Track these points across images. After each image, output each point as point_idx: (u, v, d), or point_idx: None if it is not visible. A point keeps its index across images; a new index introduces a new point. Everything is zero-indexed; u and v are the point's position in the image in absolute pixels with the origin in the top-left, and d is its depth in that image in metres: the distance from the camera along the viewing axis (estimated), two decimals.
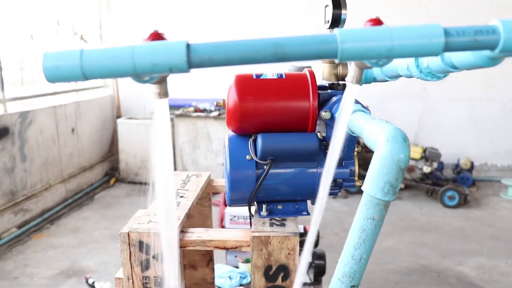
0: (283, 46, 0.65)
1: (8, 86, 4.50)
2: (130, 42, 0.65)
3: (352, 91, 0.83)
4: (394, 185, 0.89)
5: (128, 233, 1.25)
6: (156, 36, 0.72)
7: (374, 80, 1.44)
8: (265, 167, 1.31)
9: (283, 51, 0.65)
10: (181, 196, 1.54)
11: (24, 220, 4.45)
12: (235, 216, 3.36)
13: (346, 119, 0.84)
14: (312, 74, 1.33)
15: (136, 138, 5.98)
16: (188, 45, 0.64)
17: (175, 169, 6.02)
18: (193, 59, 0.64)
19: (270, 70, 1.35)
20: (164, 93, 0.77)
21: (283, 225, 1.31)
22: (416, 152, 5.34)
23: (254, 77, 1.32)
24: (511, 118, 5.75)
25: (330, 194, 1.43)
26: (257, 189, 1.31)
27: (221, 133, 5.81)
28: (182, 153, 6.01)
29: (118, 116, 6.43)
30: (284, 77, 1.32)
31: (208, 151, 5.96)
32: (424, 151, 5.39)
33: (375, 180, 0.90)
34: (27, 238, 4.32)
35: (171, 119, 5.88)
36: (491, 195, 5.51)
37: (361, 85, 1.46)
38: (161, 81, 0.77)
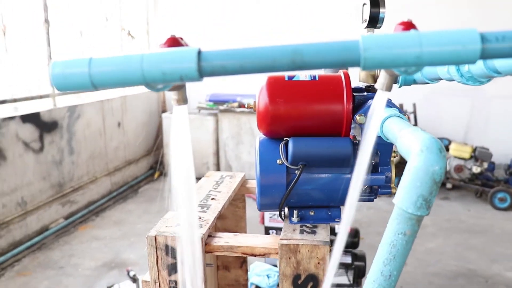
0: (302, 54, 0.60)
1: None
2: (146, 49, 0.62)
3: (382, 98, 0.77)
4: (427, 199, 0.82)
5: (155, 236, 1.23)
6: (173, 42, 0.68)
7: (414, 82, 1.37)
8: (296, 172, 1.27)
9: (302, 59, 0.60)
10: (212, 198, 1.51)
11: (71, 211, 4.57)
12: (274, 214, 3.33)
13: (375, 127, 0.78)
14: (347, 76, 1.27)
15: None
16: (199, 53, 0.60)
17: (218, 165, 6.05)
18: (205, 67, 0.60)
19: (303, 72, 1.30)
20: (182, 100, 0.74)
21: (313, 232, 1.26)
22: (465, 152, 5.13)
23: (286, 79, 1.27)
24: None
25: (365, 200, 1.37)
26: (287, 195, 1.26)
27: None
28: (225, 148, 6.02)
29: (164, 111, 6.52)
30: (317, 79, 1.27)
31: (251, 147, 5.95)
32: (474, 150, 5.16)
33: (408, 193, 0.84)
34: (74, 229, 4.44)
35: (215, 114, 5.90)
36: None
37: (400, 87, 1.39)
38: (179, 88, 0.73)
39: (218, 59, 0.60)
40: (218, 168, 6.06)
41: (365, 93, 1.32)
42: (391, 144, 1.28)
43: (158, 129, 6.46)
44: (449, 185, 5.46)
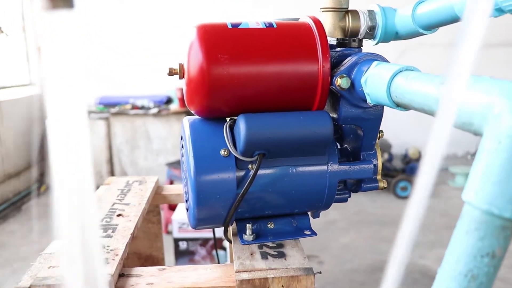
0: None
1: None
2: None
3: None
4: None
5: (30, 287, 0.70)
6: None
7: (396, 36, 0.97)
8: (250, 166, 0.81)
9: None
10: (119, 215, 1.00)
11: None
12: (184, 223, 2.79)
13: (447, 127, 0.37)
14: (318, 23, 0.83)
15: None
16: None
17: (113, 173, 5.36)
18: None
19: (251, 19, 0.84)
20: None
21: (282, 255, 0.81)
22: None
23: (229, 26, 0.80)
24: None
25: (338, 201, 0.95)
26: (239, 201, 0.80)
27: (161, 132, 5.20)
28: (119, 154, 5.35)
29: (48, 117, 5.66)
30: (275, 26, 0.82)
31: (148, 151, 5.33)
32: None
33: (498, 186, 0.42)
34: None
35: (107, 118, 5.21)
36: (439, 183, 5.27)
37: (377, 43, 0.98)
38: None
39: None
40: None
41: (338, 49, 0.90)
42: (380, 117, 0.88)
43: (42, 137, 5.59)
44: None
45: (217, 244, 2.83)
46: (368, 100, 0.78)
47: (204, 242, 2.78)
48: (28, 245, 3.79)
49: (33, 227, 4.22)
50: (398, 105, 0.71)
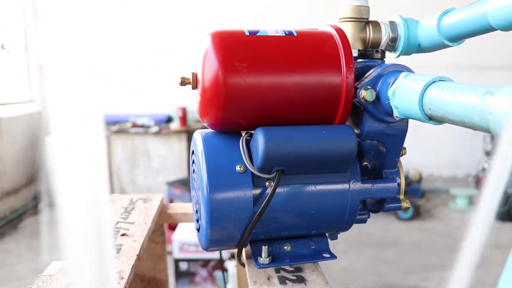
0: None
1: None
2: None
3: None
4: None
5: None
6: None
7: (419, 48, 0.92)
8: (267, 183, 0.74)
9: None
10: (123, 235, 0.93)
11: None
12: (184, 244, 2.71)
13: None
14: (341, 33, 0.78)
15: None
16: None
17: (112, 191, 5.27)
18: None
19: (269, 27, 0.79)
20: None
21: (301, 280, 0.74)
22: None
23: (247, 33, 0.75)
24: (450, 129, 5.52)
25: (357, 222, 0.88)
26: (257, 221, 0.73)
27: (161, 150, 5.14)
28: (119, 173, 5.26)
29: (48, 134, 5.59)
30: (295, 34, 0.76)
31: (147, 170, 5.25)
32: None
33: None
34: None
35: (107, 136, 5.14)
36: (440, 205, 5.20)
37: (398, 56, 0.93)
38: None
39: None
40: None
41: (360, 60, 0.84)
42: (404, 135, 0.82)
43: (41, 154, 5.51)
44: None
45: (218, 265, 2.74)
46: (396, 114, 0.72)
47: (205, 263, 2.69)
48: (25, 264, 3.68)
49: (29, 246, 4.12)
50: (431, 118, 0.65)
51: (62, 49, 0.35)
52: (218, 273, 2.69)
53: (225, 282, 1.30)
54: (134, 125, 5.20)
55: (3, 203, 4.66)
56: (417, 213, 4.73)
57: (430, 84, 0.64)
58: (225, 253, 2.74)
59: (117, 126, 5.16)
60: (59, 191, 0.37)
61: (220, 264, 1.01)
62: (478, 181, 5.16)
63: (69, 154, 0.36)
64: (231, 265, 2.56)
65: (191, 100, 0.84)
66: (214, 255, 2.74)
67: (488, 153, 5.07)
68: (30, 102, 5.54)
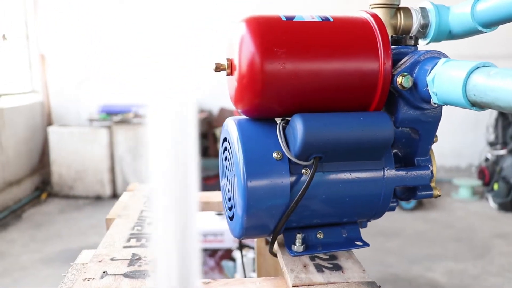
0: None
1: None
2: None
3: None
4: None
5: None
6: None
7: (450, 35, 0.91)
8: (303, 171, 0.74)
9: None
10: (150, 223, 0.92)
11: None
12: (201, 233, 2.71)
13: None
14: (378, 19, 0.77)
15: (70, 147, 5.14)
16: None
17: (114, 181, 5.26)
18: None
19: (305, 12, 0.78)
20: None
21: (338, 267, 0.74)
22: None
23: (283, 19, 0.74)
24: (453, 119, 5.51)
25: (388, 210, 0.88)
26: (293, 208, 0.73)
27: None
28: (122, 163, 5.25)
29: (50, 124, 5.56)
30: (331, 20, 0.75)
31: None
32: None
33: None
34: None
35: (109, 127, 5.12)
36: (443, 195, 5.22)
37: (429, 42, 0.92)
38: None
39: None
40: (114, 185, 5.25)
41: (394, 47, 0.83)
42: (438, 122, 0.81)
43: (43, 145, 5.49)
44: None
45: (225, 255, 2.75)
46: (434, 100, 0.71)
47: (213, 252, 2.70)
48: (29, 254, 3.68)
49: (33, 236, 4.12)
50: (474, 105, 0.65)
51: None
52: (225, 263, 2.70)
53: (244, 272, 1.29)
54: (137, 115, 5.18)
55: (7, 193, 4.65)
56: (420, 204, 4.74)
57: (474, 70, 0.63)
58: (233, 243, 2.74)
59: (119, 116, 5.14)
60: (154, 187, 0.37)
61: (240, 252, 1.01)
62: (480, 172, 5.17)
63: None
64: (238, 255, 2.57)
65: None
66: (221, 245, 2.75)
67: (491, 144, 5.07)
68: (32, 93, 5.51)
